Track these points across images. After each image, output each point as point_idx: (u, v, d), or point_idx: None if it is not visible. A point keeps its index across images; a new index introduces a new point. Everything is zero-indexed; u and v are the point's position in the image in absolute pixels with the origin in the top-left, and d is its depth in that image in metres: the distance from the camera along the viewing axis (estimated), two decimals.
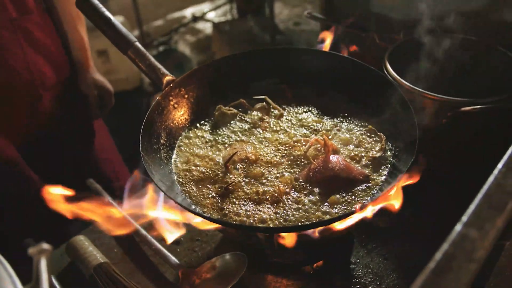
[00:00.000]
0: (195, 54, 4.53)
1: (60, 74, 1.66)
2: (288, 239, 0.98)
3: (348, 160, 1.07)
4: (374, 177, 1.03)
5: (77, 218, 1.30)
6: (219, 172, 1.09)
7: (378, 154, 1.07)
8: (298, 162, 1.09)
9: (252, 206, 0.99)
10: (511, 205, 0.56)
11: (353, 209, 0.95)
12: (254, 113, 1.26)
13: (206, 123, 1.26)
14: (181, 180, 1.08)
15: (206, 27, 4.90)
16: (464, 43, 1.34)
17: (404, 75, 1.26)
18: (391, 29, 1.52)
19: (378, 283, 1.12)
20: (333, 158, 1.03)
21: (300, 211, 0.97)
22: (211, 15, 5.15)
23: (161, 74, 1.17)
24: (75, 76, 1.75)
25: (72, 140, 1.79)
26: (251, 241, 1.09)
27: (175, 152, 1.17)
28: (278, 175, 1.06)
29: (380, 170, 1.05)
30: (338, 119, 1.22)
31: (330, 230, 1.05)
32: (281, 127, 1.21)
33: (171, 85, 1.18)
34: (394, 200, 0.95)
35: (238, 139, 1.19)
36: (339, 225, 1.02)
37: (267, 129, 1.20)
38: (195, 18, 4.93)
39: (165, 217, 1.04)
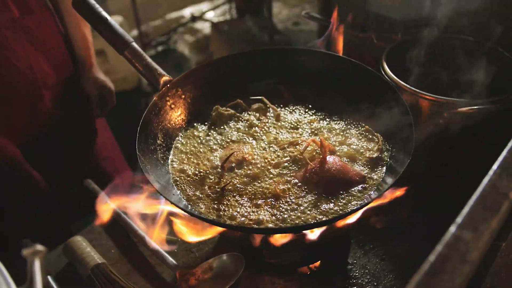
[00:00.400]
0: (194, 54, 4.53)
1: (61, 74, 1.67)
2: (285, 239, 0.98)
3: (344, 161, 1.07)
4: (371, 177, 1.03)
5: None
6: (216, 173, 1.09)
7: (375, 155, 1.07)
8: (295, 163, 1.09)
9: (249, 207, 0.99)
10: (505, 206, 0.56)
11: (349, 210, 0.95)
12: (251, 113, 1.26)
13: (203, 123, 1.26)
14: (177, 180, 1.08)
15: (205, 27, 4.90)
16: (462, 44, 1.34)
17: (401, 75, 1.26)
18: (389, 29, 1.52)
19: (375, 283, 1.12)
20: (330, 159, 1.03)
21: (297, 212, 0.97)
22: (210, 15, 5.15)
23: (158, 74, 1.17)
24: (76, 75, 1.75)
25: (73, 139, 1.79)
26: (249, 242, 1.09)
27: (172, 152, 1.17)
28: (274, 176, 1.06)
29: (377, 171, 1.05)
30: (335, 119, 1.22)
31: (327, 230, 1.05)
32: (278, 128, 1.21)
33: (168, 85, 1.18)
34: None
35: (235, 139, 1.19)
36: (336, 225, 1.02)
37: (264, 130, 1.20)
38: (194, 18, 4.93)
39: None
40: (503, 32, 1.27)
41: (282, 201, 1.00)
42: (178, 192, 1.05)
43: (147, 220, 1.34)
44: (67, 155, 1.78)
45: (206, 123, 1.26)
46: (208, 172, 1.10)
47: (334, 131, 1.18)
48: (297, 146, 1.13)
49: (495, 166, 0.62)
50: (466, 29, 1.35)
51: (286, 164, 1.09)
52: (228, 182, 1.05)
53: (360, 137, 1.15)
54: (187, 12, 5.24)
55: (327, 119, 1.23)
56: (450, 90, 1.23)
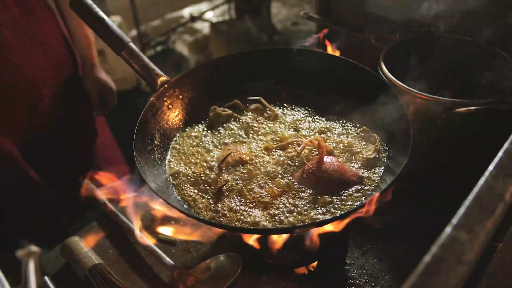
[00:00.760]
0: (193, 54, 4.53)
1: (61, 73, 1.67)
2: (282, 240, 0.98)
3: (342, 161, 1.07)
4: (368, 178, 1.03)
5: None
6: (213, 173, 1.09)
7: (372, 155, 1.07)
8: (292, 164, 1.09)
9: (246, 208, 0.99)
10: (501, 207, 0.56)
11: (346, 211, 0.95)
12: (249, 114, 1.26)
13: (200, 124, 1.26)
14: (174, 181, 1.08)
15: (204, 27, 4.89)
16: (459, 44, 1.34)
17: (399, 76, 1.26)
18: (387, 30, 1.52)
19: (373, 284, 1.12)
20: (327, 159, 1.03)
21: (294, 213, 0.97)
22: (209, 15, 5.14)
23: (155, 74, 1.17)
24: (76, 75, 1.76)
25: (72, 138, 1.79)
26: (246, 242, 1.09)
27: (169, 153, 1.17)
28: (271, 176, 1.06)
29: (374, 171, 1.05)
30: (333, 119, 1.22)
31: (323, 231, 1.05)
32: (275, 128, 1.21)
33: (166, 86, 1.18)
34: None
35: (232, 140, 1.19)
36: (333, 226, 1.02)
37: (262, 130, 1.20)
38: (193, 18, 4.92)
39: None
40: (500, 32, 1.27)
41: (279, 201, 0.99)
42: (175, 192, 1.05)
43: (145, 220, 1.34)
44: (66, 155, 1.78)
45: (203, 124, 1.26)
46: (205, 172, 1.09)
47: (331, 131, 1.18)
48: (294, 147, 1.12)
49: (491, 167, 0.61)
50: (464, 30, 1.35)
51: (283, 164, 1.08)
52: (225, 182, 1.05)
53: (358, 138, 1.15)
54: (186, 12, 5.24)
55: (324, 120, 1.23)
56: (448, 91, 1.23)
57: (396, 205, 1.31)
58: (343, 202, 0.98)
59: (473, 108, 1.14)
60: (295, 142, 1.13)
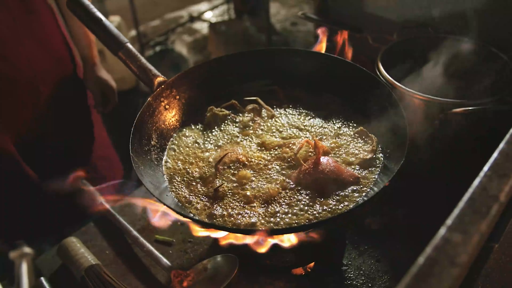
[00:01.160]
0: (192, 54, 4.52)
1: (60, 71, 1.68)
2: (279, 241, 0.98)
3: (338, 162, 1.07)
4: (365, 178, 1.03)
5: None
6: (210, 174, 1.08)
7: (369, 156, 1.06)
8: (289, 164, 1.08)
9: (242, 209, 0.99)
10: (495, 209, 0.55)
11: (343, 211, 0.95)
12: (246, 114, 1.26)
13: (197, 124, 1.25)
14: (171, 182, 1.08)
15: (203, 27, 4.89)
16: (457, 44, 1.34)
17: (396, 76, 1.26)
18: (384, 30, 1.51)
19: (370, 285, 1.12)
20: (324, 160, 1.03)
21: (290, 214, 0.96)
22: (208, 15, 5.14)
23: (152, 75, 1.17)
24: (74, 74, 1.76)
25: (69, 136, 1.79)
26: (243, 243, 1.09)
27: (166, 153, 1.17)
28: (268, 177, 1.06)
29: (371, 172, 1.05)
30: (330, 120, 1.22)
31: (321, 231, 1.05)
32: (272, 129, 1.21)
33: (163, 86, 1.18)
34: None
35: (229, 140, 1.18)
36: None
37: (258, 131, 1.20)
38: (192, 18, 4.92)
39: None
40: (498, 32, 1.27)
41: (276, 202, 0.99)
42: (172, 193, 1.05)
43: (141, 221, 1.34)
44: (62, 154, 1.78)
45: (200, 124, 1.25)
46: (202, 173, 1.09)
47: (328, 132, 1.18)
48: (291, 147, 1.12)
49: (485, 168, 0.61)
50: (461, 30, 1.35)
51: (280, 165, 1.08)
52: (221, 183, 1.05)
53: (355, 138, 1.14)
54: (185, 12, 5.24)
55: (321, 120, 1.22)
56: (445, 91, 1.23)
57: (394, 206, 1.30)
58: (340, 203, 0.97)
59: (470, 108, 1.14)
60: (291, 143, 1.13)
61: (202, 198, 1.03)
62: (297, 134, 1.18)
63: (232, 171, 1.08)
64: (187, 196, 1.04)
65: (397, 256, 1.19)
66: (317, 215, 0.95)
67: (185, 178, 1.09)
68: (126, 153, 1.01)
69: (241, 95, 1.28)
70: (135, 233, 1.24)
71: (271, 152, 1.13)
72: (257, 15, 4.07)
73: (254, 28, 3.71)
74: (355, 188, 1.00)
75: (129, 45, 1.18)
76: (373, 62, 1.34)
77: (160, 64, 3.98)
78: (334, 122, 1.21)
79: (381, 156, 1.08)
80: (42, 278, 1.13)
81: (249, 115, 1.25)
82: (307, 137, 1.15)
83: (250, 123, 1.22)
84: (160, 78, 1.17)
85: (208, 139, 1.20)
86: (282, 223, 0.94)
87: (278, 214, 0.97)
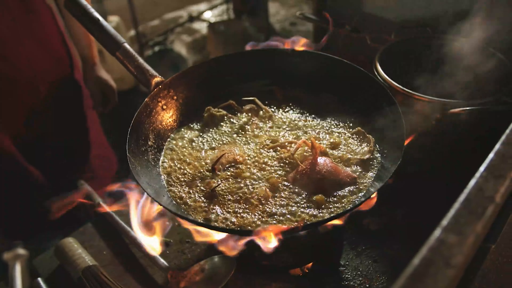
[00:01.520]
0: (191, 54, 4.52)
1: (59, 71, 1.69)
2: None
3: (336, 162, 1.07)
4: (362, 179, 1.03)
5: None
6: (207, 174, 1.08)
7: (366, 156, 1.06)
8: (286, 164, 1.08)
9: (239, 209, 0.99)
10: (491, 210, 0.55)
11: (339, 211, 0.94)
12: (243, 114, 1.25)
13: (195, 124, 1.25)
14: (168, 182, 1.08)
15: (202, 27, 4.89)
16: (455, 45, 1.34)
17: (394, 76, 1.26)
18: (383, 30, 1.51)
19: (367, 285, 1.12)
20: (321, 160, 1.02)
21: (287, 214, 0.96)
22: (207, 15, 5.14)
23: (150, 75, 1.17)
24: (72, 73, 1.76)
25: (66, 136, 1.79)
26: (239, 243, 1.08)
27: (163, 154, 1.16)
28: (265, 177, 1.05)
29: (368, 172, 1.04)
30: (327, 120, 1.22)
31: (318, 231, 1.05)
32: (270, 129, 1.20)
33: (160, 86, 1.18)
34: None
35: (227, 141, 1.18)
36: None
37: (256, 131, 1.20)
38: (191, 18, 4.92)
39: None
40: (495, 32, 1.27)
41: (272, 202, 0.99)
42: (168, 193, 1.05)
43: (139, 221, 1.33)
44: (62, 154, 1.79)
45: (198, 124, 1.25)
46: (199, 173, 1.09)
47: (326, 132, 1.17)
48: (288, 147, 1.12)
49: (481, 168, 0.61)
50: (459, 30, 1.34)
51: (277, 165, 1.08)
52: (218, 183, 1.04)
53: (352, 138, 1.14)
54: (184, 12, 5.23)
55: (319, 120, 1.22)
56: (443, 91, 1.23)
57: (392, 206, 1.30)
58: (337, 203, 0.97)
59: (468, 108, 1.14)
60: (289, 143, 1.13)
61: (199, 199, 1.03)
62: (294, 134, 1.18)
63: (229, 172, 1.08)
64: (183, 196, 1.03)
65: (395, 256, 1.18)
66: (314, 216, 0.95)
67: (182, 179, 1.08)
68: (125, 153, 1.01)
69: (240, 95, 1.27)
70: (132, 233, 1.24)
71: (268, 152, 1.12)
72: (256, 15, 4.06)
73: (254, 28, 3.71)
74: (352, 189, 1.00)
75: (127, 45, 1.17)
76: (371, 62, 1.34)
77: (159, 64, 3.97)
78: (332, 122, 1.21)
79: (378, 156, 1.08)
80: (39, 279, 1.12)
81: (247, 115, 1.25)
82: (304, 138, 1.15)
83: (248, 124, 1.22)
84: (158, 79, 1.17)
85: (205, 140, 1.20)
86: (278, 224, 0.94)
87: (275, 215, 0.96)
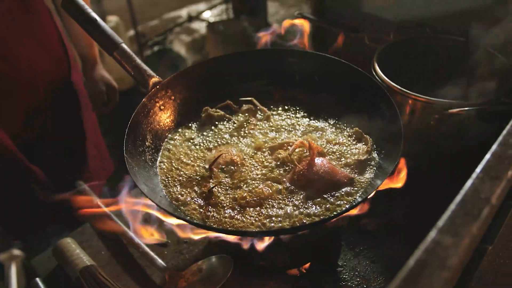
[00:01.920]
0: (190, 54, 4.52)
1: (58, 70, 1.69)
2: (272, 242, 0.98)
3: (333, 163, 1.06)
4: (359, 179, 1.03)
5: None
6: (204, 175, 1.08)
7: (364, 157, 1.06)
8: (283, 165, 1.08)
9: (236, 210, 0.99)
10: (486, 211, 0.55)
11: (337, 212, 0.94)
12: (241, 115, 1.25)
13: (192, 125, 1.25)
14: (165, 183, 1.08)
15: (201, 27, 4.88)
16: (453, 45, 1.34)
17: (392, 77, 1.26)
18: (381, 30, 1.51)
19: (365, 286, 1.12)
20: (318, 161, 1.02)
21: (284, 215, 0.96)
22: (206, 15, 5.13)
23: (147, 75, 1.16)
24: (69, 73, 1.76)
25: (68, 136, 1.80)
26: (238, 244, 1.08)
27: (160, 154, 1.16)
28: (262, 178, 1.05)
29: (365, 173, 1.04)
30: (325, 121, 1.22)
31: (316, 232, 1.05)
32: (267, 129, 1.20)
33: (158, 86, 1.17)
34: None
35: (224, 141, 1.18)
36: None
37: (253, 131, 1.20)
38: (191, 18, 4.91)
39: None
40: (494, 33, 1.26)
41: (269, 203, 0.99)
42: (166, 194, 1.05)
43: (136, 222, 1.33)
44: (62, 154, 1.79)
45: (195, 125, 1.25)
46: (196, 174, 1.09)
47: (323, 133, 1.17)
48: (285, 148, 1.12)
49: (478, 170, 0.61)
50: (458, 30, 1.34)
51: (274, 166, 1.08)
52: (215, 184, 1.04)
53: (350, 139, 1.14)
54: (184, 12, 5.23)
55: (316, 120, 1.22)
56: (441, 91, 1.23)
57: (389, 207, 1.30)
58: (334, 204, 0.97)
59: (466, 109, 1.13)
60: (286, 144, 1.13)
61: (196, 199, 1.02)
62: (292, 135, 1.18)
63: (226, 172, 1.08)
64: (181, 197, 1.03)
65: (392, 257, 1.18)
66: (311, 216, 0.95)
67: (179, 179, 1.08)
68: (121, 154, 1.01)
69: (239, 95, 1.27)
70: (130, 233, 1.24)
71: (265, 153, 1.12)
72: (255, 15, 4.06)
73: (253, 28, 3.70)
74: (349, 189, 1.00)
75: (124, 46, 1.17)
76: (370, 62, 1.34)
77: (158, 64, 3.97)
78: (329, 122, 1.21)
79: (376, 157, 1.08)
80: (38, 279, 1.12)
81: (244, 115, 1.25)
82: (301, 138, 1.14)
83: (245, 124, 1.22)
84: (155, 79, 1.17)
85: (203, 140, 1.20)
86: (275, 225, 0.94)
87: (272, 216, 0.96)
